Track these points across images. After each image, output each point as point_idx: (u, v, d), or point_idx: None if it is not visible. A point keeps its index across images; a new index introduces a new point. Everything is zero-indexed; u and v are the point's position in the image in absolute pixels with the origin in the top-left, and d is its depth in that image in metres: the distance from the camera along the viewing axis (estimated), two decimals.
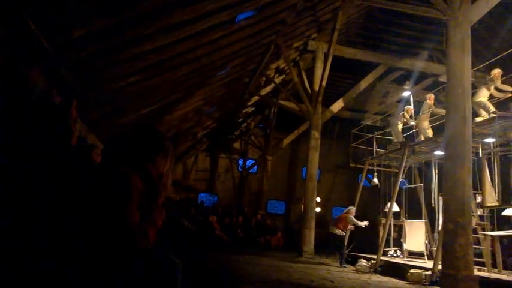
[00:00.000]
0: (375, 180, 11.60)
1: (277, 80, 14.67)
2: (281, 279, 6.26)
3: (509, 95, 8.36)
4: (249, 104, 16.45)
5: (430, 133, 9.64)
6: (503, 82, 8.51)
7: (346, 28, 12.92)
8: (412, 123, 10.64)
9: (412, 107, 10.91)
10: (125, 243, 1.96)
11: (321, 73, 11.87)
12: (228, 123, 17.29)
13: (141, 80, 7.08)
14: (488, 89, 8.20)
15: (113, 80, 6.51)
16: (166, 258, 2.11)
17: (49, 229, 2.40)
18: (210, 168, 19.54)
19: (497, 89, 8.28)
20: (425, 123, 9.70)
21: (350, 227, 10.12)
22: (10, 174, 2.74)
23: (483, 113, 7.96)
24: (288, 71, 13.53)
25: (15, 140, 3.03)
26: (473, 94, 7.33)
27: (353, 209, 10.44)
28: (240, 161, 19.71)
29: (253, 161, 19.48)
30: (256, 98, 15.35)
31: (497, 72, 8.20)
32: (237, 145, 20.04)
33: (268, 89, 15.14)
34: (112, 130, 7.85)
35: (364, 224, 10.09)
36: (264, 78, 13.71)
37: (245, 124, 18.80)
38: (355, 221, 10.06)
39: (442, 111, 9.59)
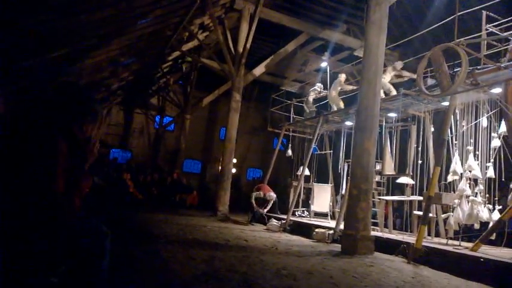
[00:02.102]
0: (289, 152, 12.20)
1: (201, 36, 14.19)
2: (197, 238, 6.41)
3: (407, 79, 9.24)
4: (170, 58, 15.75)
5: (341, 104, 10.33)
6: (407, 63, 9.44)
7: None
8: (323, 93, 11.31)
9: (320, 85, 11.57)
10: (51, 210, 1.83)
11: (245, 35, 11.78)
12: (146, 77, 16.44)
13: (49, 21, 6.29)
14: (390, 74, 9.01)
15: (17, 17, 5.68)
16: (95, 227, 2.03)
17: None
18: (124, 122, 18.63)
19: (397, 75, 9.11)
20: (336, 96, 10.37)
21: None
22: None
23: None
24: (213, 28, 13.15)
25: None
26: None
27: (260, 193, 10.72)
28: (157, 118, 19.07)
29: (171, 119, 18.99)
30: (177, 53, 14.74)
31: (399, 64, 9.16)
32: (154, 101, 19.28)
33: (190, 45, 14.58)
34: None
35: (260, 211, 10.42)
36: (187, 33, 13.15)
37: (164, 79, 18.05)
38: (253, 203, 10.47)
39: (350, 87, 10.42)
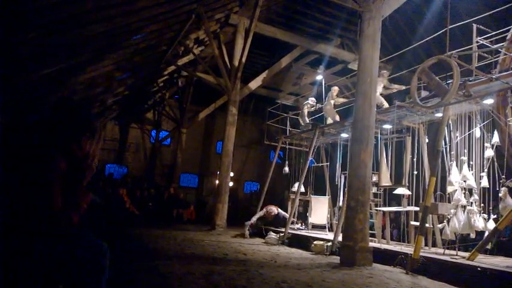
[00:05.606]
0: (286, 169, 12.24)
1: (196, 51, 14.34)
2: (196, 253, 6.38)
3: (395, 90, 9.34)
4: (165, 73, 15.86)
5: (336, 117, 10.42)
6: (400, 76, 9.55)
7: (267, 6, 13.03)
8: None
9: (313, 99, 11.71)
10: (48, 226, 1.84)
11: (241, 49, 11.91)
12: (141, 91, 16.51)
13: (41, 37, 6.34)
14: (380, 86, 9.09)
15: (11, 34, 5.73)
16: (93, 243, 2.04)
17: None
18: (120, 137, 18.63)
19: (384, 87, 9.22)
20: (331, 109, 10.46)
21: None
22: None
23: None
24: (208, 42, 13.29)
25: None
26: None
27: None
28: (153, 132, 19.10)
29: (167, 133, 19.02)
30: (173, 67, 14.86)
31: (385, 73, 9.15)
32: (150, 115, 19.33)
33: (186, 59, 14.72)
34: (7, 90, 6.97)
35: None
36: (182, 48, 13.29)
37: (160, 94, 18.15)
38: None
39: (341, 100, 10.50)
